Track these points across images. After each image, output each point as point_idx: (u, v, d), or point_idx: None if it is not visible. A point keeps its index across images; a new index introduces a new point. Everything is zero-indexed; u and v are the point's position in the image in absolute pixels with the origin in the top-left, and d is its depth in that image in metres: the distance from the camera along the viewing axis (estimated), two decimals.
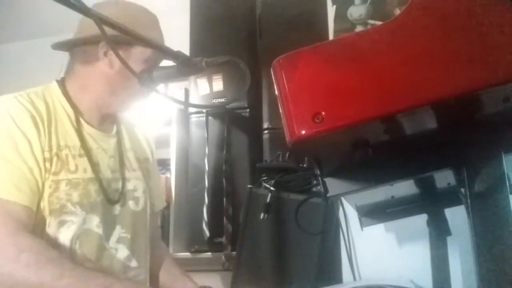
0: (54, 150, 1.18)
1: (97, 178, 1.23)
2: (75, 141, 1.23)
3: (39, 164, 1.14)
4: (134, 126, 1.49)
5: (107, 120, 1.34)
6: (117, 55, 0.95)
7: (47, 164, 1.15)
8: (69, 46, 1.32)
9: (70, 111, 1.26)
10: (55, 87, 1.28)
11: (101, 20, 0.85)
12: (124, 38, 1.20)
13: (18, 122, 1.14)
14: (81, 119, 1.27)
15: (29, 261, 1.01)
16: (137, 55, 1.25)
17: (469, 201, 0.80)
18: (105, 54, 1.27)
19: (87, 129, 1.28)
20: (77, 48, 1.31)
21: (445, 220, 1.33)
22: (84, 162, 1.22)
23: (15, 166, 1.11)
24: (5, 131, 1.12)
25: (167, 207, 2.65)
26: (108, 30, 1.24)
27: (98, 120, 1.31)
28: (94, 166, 1.24)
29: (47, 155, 1.16)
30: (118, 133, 1.38)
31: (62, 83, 1.30)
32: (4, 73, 3.13)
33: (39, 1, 2.81)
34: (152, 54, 1.26)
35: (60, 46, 1.33)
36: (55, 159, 1.17)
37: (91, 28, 1.23)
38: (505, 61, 0.70)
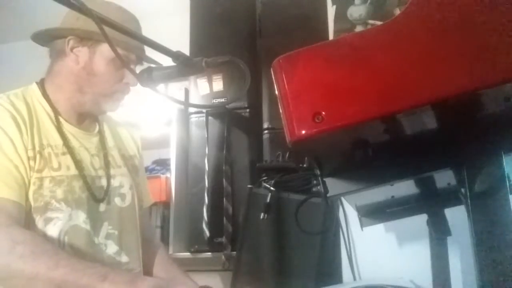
0: (37, 148, 1.18)
1: (81, 174, 1.24)
2: (57, 140, 1.24)
3: (23, 162, 1.15)
4: (117, 124, 1.49)
5: (87, 119, 1.35)
6: (116, 53, 0.94)
7: (31, 162, 1.16)
8: (44, 40, 1.32)
9: (50, 111, 1.26)
10: (35, 88, 1.29)
11: (101, 20, 0.85)
12: (90, 34, 1.21)
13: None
14: (61, 119, 1.27)
15: (24, 253, 1.01)
16: (104, 53, 1.25)
17: (469, 201, 0.80)
18: (71, 49, 1.26)
19: (68, 128, 1.28)
20: (50, 44, 1.31)
21: (445, 220, 1.33)
22: (67, 160, 1.23)
23: (1, 164, 1.12)
24: None
25: (167, 207, 2.66)
26: (73, 24, 1.24)
27: (76, 119, 1.31)
28: (78, 163, 1.25)
29: (30, 153, 1.17)
30: (100, 132, 1.38)
31: (41, 84, 1.31)
32: (4, 73, 3.13)
33: (39, 1, 2.81)
34: (121, 53, 1.22)
35: (37, 39, 1.32)
36: (38, 157, 1.18)
37: (61, 21, 1.25)
38: (505, 61, 0.70)
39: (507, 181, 0.79)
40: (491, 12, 0.72)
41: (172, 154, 2.66)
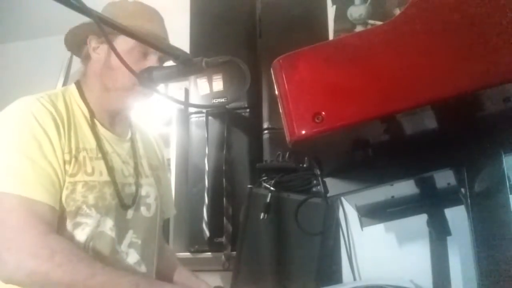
0: (73, 152, 1.18)
1: (112, 181, 1.24)
2: (91, 143, 1.24)
3: (60, 166, 1.15)
4: (148, 132, 1.49)
5: (120, 124, 1.34)
6: (114, 50, 0.94)
7: (67, 166, 1.16)
8: (75, 50, 1.35)
9: (86, 112, 1.26)
10: (73, 89, 1.30)
11: (101, 20, 0.85)
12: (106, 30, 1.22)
13: (41, 123, 1.15)
14: (96, 121, 1.27)
15: (62, 262, 1.03)
16: (120, 45, 1.21)
17: (469, 201, 0.80)
18: (94, 50, 1.28)
19: (102, 131, 1.28)
20: (79, 51, 1.33)
21: (445, 220, 1.33)
22: (100, 165, 1.23)
23: (41, 166, 1.12)
24: (30, 132, 1.13)
25: None
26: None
27: (110, 123, 1.31)
28: (110, 169, 1.24)
29: (66, 157, 1.17)
30: (133, 139, 1.38)
31: (79, 84, 1.31)
32: (4, 73, 3.13)
33: (39, 1, 2.82)
34: (136, 45, 1.24)
35: (71, 49, 1.36)
36: (73, 161, 1.18)
37: (78, 27, 1.27)
38: (505, 61, 0.70)
39: (507, 181, 0.79)
40: (491, 12, 0.72)
41: (172, 154, 2.66)
